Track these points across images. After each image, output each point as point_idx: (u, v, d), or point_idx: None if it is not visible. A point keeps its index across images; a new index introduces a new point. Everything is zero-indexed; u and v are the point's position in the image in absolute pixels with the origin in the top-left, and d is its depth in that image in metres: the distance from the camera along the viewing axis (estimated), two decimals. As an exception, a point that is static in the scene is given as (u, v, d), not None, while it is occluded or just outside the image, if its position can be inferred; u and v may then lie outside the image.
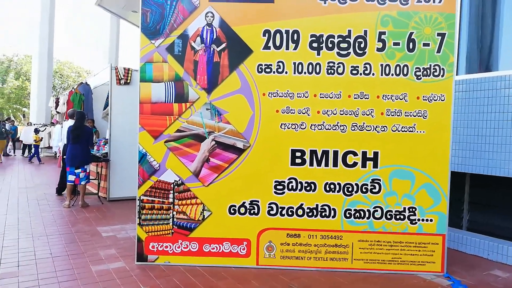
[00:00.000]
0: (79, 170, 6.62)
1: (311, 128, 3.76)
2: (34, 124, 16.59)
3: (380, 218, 3.73)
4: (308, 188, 3.76)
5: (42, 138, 13.86)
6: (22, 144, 16.68)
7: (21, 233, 4.91)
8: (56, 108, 14.65)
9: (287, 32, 3.76)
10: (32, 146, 14.13)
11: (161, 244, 3.89)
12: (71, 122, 7.29)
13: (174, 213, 3.88)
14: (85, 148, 6.61)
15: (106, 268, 3.80)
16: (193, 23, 3.81)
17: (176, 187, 3.87)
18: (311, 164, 3.76)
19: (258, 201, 3.79)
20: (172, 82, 3.85)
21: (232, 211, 3.81)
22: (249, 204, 3.80)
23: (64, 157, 6.96)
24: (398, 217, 3.72)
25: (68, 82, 37.94)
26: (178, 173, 3.85)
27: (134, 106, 7.41)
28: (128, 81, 7.24)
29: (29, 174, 10.85)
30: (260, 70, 3.78)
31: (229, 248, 3.82)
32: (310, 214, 3.77)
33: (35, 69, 20.61)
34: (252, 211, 3.79)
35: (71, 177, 6.58)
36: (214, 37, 3.80)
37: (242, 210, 3.80)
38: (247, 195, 3.80)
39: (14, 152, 16.95)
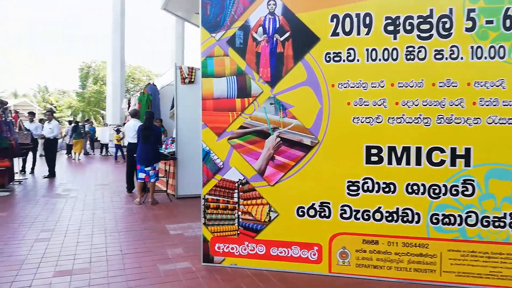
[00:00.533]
0: (149, 168, 6.78)
1: (388, 121, 3.35)
2: (110, 125, 17.71)
3: (475, 225, 3.20)
4: (386, 190, 3.36)
5: (123, 137, 14.65)
6: (100, 144, 17.90)
7: (95, 229, 5.10)
8: (128, 109, 15.50)
9: (357, 15, 3.38)
10: (112, 145, 14.98)
11: (227, 245, 3.74)
12: (133, 121, 7.53)
13: (240, 213, 3.70)
14: (154, 147, 6.76)
15: (173, 268, 3.74)
16: (255, 12, 3.58)
17: (240, 186, 3.69)
18: (390, 162, 3.35)
19: (329, 203, 3.47)
20: (234, 77, 3.67)
21: (301, 213, 3.53)
22: (319, 206, 3.49)
23: (134, 156, 7.19)
24: (497, 224, 3.17)
25: (140, 85, 40.20)
26: (243, 171, 3.67)
27: (199, 104, 7.47)
28: (193, 80, 7.27)
29: (105, 172, 11.53)
30: (328, 59, 3.44)
31: (299, 253, 3.56)
32: (389, 218, 3.36)
33: (109, 75, 22.11)
34: (322, 214, 3.48)
35: (141, 175, 6.76)
36: (277, 26, 3.54)
37: (312, 212, 3.51)
38: (317, 196, 3.49)
39: (93, 151, 18.30)
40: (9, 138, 7.42)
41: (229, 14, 3.63)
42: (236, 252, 3.71)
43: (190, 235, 4.91)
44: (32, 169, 10.90)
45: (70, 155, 16.46)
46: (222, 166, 3.71)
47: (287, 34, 3.52)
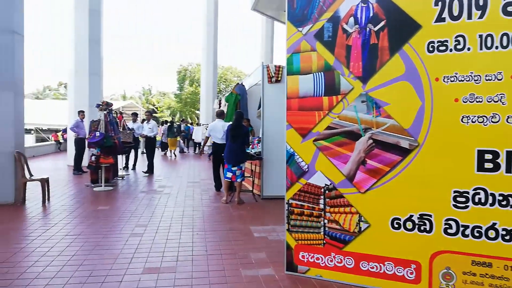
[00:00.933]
0: (236, 168, 6.84)
1: (507, 121, 2.77)
2: (203, 124, 18.59)
3: None
4: (504, 203, 2.78)
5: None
6: (193, 142, 18.90)
7: (184, 227, 5.25)
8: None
9: (469, -4, 2.87)
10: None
11: (311, 255, 3.49)
12: (218, 121, 7.64)
13: (326, 221, 3.43)
14: (242, 147, 6.79)
15: (255, 274, 3.61)
16: (345, 1, 3.26)
17: (327, 192, 3.41)
18: (508, 170, 2.77)
19: (430, 216, 3.01)
20: (321, 73, 3.39)
21: (396, 226, 3.13)
22: (418, 218, 3.04)
23: (222, 155, 7.31)
24: None
25: (231, 86, 41.66)
26: (329, 176, 3.38)
27: (285, 103, 7.32)
28: (279, 78, 7.13)
29: (197, 170, 12.06)
30: (431, 49, 2.98)
31: (393, 270, 3.15)
32: (507, 237, 2.78)
33: (203, 76, 23.24)
34: (422, 228, 3.03)
35: (228, 174, 6.85)
36: (371, 14, 3.18)
37: (409, 225, 3.07)
38: (416, 207, 3.05)
39: (187, 150, 19.43)
40: (113, 137, 8.11)
41: (317, 6, 3.37)
42: (322, 263, 3.44)
43: (274, 239, 4.77)
44: (134, 165, 11.87)
45: (165, 152, 17.70)
46: (307, 169, 3.47)
47: (382, 23, 3.13)
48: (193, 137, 18.45)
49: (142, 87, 58.70)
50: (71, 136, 11.63)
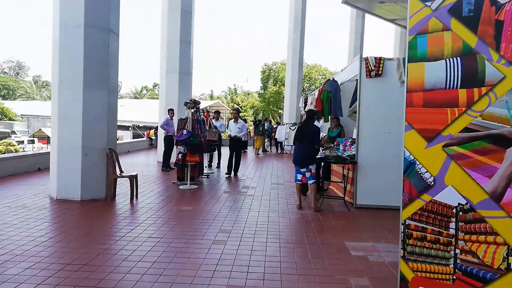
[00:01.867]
0: (304, 169, 6.34)
1: None
2: (286, 123, 18.15)
3: None
4: None
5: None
6: (276, 141, 18.55)
7: (270, 236, 4.75)
8: (304, 108, 15.42)
9: None
10: (288, 144, 15.11)
11: (434, 292, 2.71)
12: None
13: (458, 251, 2.62)
14: (309, 147, 6.31)
15: (358, 306, 2.94)
16: (499, -40, 2.43)
17: (461, 213, 2.60)
18: None
19: None
20: (458, 58, 2.60)
21: None
22: None
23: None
24: None
25: (315, 85, 40.76)
26: (465, 193, 2.57)
27: (386, 101, 6.41)
28: (380, 72, 6.27)
29: (281, 170, 11.58)
30: None
31: None
32: None
33: (288, 75, 22.81)
34: None
35: (298, 176, 6.44)
36: (539, -25, 2.30)
37: None
38: None
39: (270, 149, 19.14)
40: (199, 135, 7.98)
41: (453, -30, 2.58)
42: (451, 306, 2.64)
43: (376, 260, 4.02)
44: (218, 164, 11.82)
45: (246, 151, 17.62)
46: (432, 183, 2.70)
47: (557, -15, 2.24)
48: (276, 136, 18.09)
49: (228, 87, 60.55)
50: (161, 134, 11.98)
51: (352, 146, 6.90)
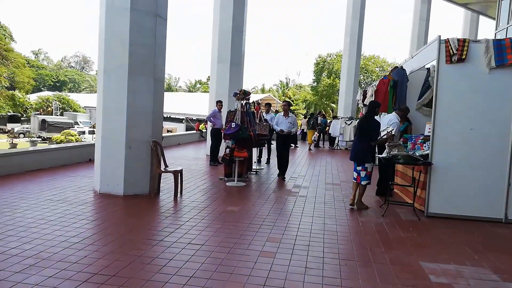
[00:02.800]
0: (360, 168, 5.84)
1: None
2: (341, 118, 17.08)
3: None
4: None
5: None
6: (329, 136, 17.55)
7: (326, 248, 4.03)
8: (363, 101, 14.30)
9: None
10: (342, 139, 14.05)
11: None
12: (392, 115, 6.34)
13: None
14: (366, 144, 5.76)
15: None
16: None
17: None
18: None
19: None
20: None
21: None
22: None
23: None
24: None
25: (372, 77, 38.82)
26: None
27: (470, 92, 5.33)
28: (463, 56, 5.24)
29: (336, 168, 10.71)
30: None
31: None
32: None
33: (344, 66, 21.54)
34: None
35: (354, 174, 5.97)
36: None
37: None
38: None
39: (323, 144, 18.16)
40: (249, 129, 7.40)
41: None
42: None
43: (465, 291, 3.16)
44: (268, 159, 11.20)
45: (297, 146, 16.83)
46: None
47: None
48: (330, 131, 17.08)
49: (279, 80, 59.70)
50: (209, 126, 11.60)
51: (424, 145, 5.92)
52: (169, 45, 6.90)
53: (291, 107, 9.29)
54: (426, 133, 6.31)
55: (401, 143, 5.91)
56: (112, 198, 5.87)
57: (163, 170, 6.27)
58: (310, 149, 16.37)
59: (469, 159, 5.34)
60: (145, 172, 6.24)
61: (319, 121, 17.55)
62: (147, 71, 6.17)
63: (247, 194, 6.63)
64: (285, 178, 8.44)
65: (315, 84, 42.65)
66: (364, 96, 14.00)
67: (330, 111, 40.59)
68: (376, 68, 39.38)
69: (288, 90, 51.56)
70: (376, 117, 6.87)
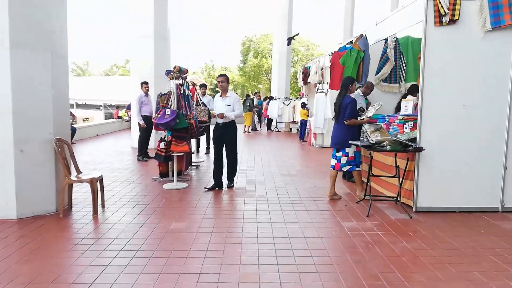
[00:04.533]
0: (340, 154, 5.18)
1: None
2: (279, 98, 16.08)
3: None
4: None
5: (308, 114, 12.52)
6: (268, 119, 16.50)
7: (324, 279, 2.82)
8: (304, 80, 13.35)
9: None
10: (300, 123, 12.93)
11: None
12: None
13: None
14: (343, 126, 5.11)
15: None
16: None
17: None
18: None
19: None
20: None
21: None
22: None
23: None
24: None
25: (298, 56, 38.68)
26: None
27: (462, 60, 4.35)
28: (456, 17, 4.30)
29: (284, 155, 9.60)
30: None
31: None
32: None
33: (276, 46, 20.66)
34: None
35: (332, 161, 5.31)
36: None
37: None
38: None
39: (260, 126, 17.04)
40: (188, 116, 5.88)
41: None
42: None
43: None
44: (207, 148, 9.76)
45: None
46: None
47: None
48: (267, 113, 16.01)
49: (204, 62, 57.34)
50: (134, 114, 9.75)
51: (404, 126, 4.98)
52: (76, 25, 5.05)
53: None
54: (402, 112, 5.40)
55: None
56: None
57: (75, 178, 4.55)
58: (248, 132, 15.20)
59: (461, 140, 4.50)
60: (47, 184, 4.47)
61: (255, 103, 16.34)
62: (40, 42, 4.32)
63: (193, 200, 5.18)
64: (233, 185, 5.98)
65: (242, 65, 41.45)
66: (305, 75, 13.10)
67: (258, 93, 39.79)
68: (301, 48, 39.26)
69: (214, 72, 49.70)
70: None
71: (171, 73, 5.71)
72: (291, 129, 16.15)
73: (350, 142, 4.97)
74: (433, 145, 4.48)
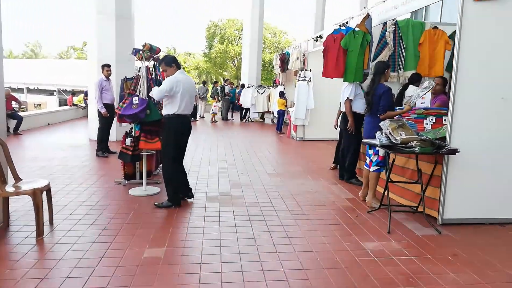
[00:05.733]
0: (372, 151, 4.40)
1: None
2: (252, 86, 15.07)
3: None
4: None
5: (286, 104, 11.56)
6: (240, 108, 15.46)
7: None
8: (281, 67, 12.43)
9: None
10: (276, 114, 11.98)
11: None
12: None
13: None
14: (375, 119, 4.37)
15: None
16: None
17: None
18: None
19: None
20: None
21: None
22: None
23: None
24: None
25: (265, 44, 37.69)
26: None
27: (505, 43, 3.50)
28: (502, -11, 3.51)
29: (265, 149, 8.69)
30: None
31: None
32: None
33: (247, 31, 19.59)
34: None
35: (366, 159, 4.55)
36: None
37: None
38: None
39: (232, 116, 15.98)
40: (160, 105, 4.79)
41: None
42: None
43: None
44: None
45: (197, 120, 14.54)
46: None
47: None
48: (240, 102, 14.97)
49: (166, 47, 54.97)
50: (92, 100, 8.43)
51: (425, 121, 4.19)
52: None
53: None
54: (418, 104, 4.62)
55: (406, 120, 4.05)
56: None
57: (12, 190, 3.39)
58: (215, 121, 14.16)
59: (498, 141, 3.77)
60: (-29, 198, 3.28)
61: (226, 91, 15.24)
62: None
63: (169, 213, 4.15)
64: (191, 194, 4.59)
65: (207, 50, 39.91)
66: (283, 61, 12.18)
67: (222, 79, 38.56)
68: (268, 35, 38.28)
69: (177, 57, 47.65)
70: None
71: (140, 51, 4.57)
72: (264, 119, 15.25)
73: (365, 141, 4.14)
74: (466, 145, 3.72)
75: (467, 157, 3.73)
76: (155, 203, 4.33)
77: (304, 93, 9.53)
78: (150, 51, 4.58)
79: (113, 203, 4.39)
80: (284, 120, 11.75)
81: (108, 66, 7.16)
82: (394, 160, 4.26)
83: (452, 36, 6.45)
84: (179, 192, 4.35)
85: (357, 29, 5.36)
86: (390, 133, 3.74)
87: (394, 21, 6.31)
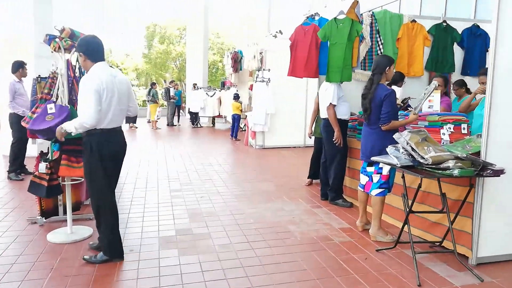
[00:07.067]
0: (372, 169, 3.46)
1: None
2: (201, 88, 13.76)
3: None
4: None
5: (242, 108, 10.34)
6: (189, 112, 14.06)
7: None
8: (234, 66, 11.27)
9: None
10: (230, 119, 10.70)
11: None
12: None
13: None
14: (376, 130, 3.42)
15: None
16: None
17: None
18: None
19: None
20: None
21: None
22: None
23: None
24: None
25: (209, 44, 36.34)
26: None
27: None
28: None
29: (224, 162, 7.50)
30: None
31: None
32: None
33: (191, 29, 18.26)
34: None
35: (362, 179, 3.63)
36: None
37: None
38: None
39: (178, 121, 14.49)
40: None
41: None
42: None
43: None
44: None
45: (136, 126, 12.95)
46: None
47: None
48: (188, 106, 13.57)
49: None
50: (5, 109, 6.68)
51: (441, 131, 3.30)
52: None
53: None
54: (424, 108, 3.74)
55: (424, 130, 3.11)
56: None
57: None
58: (156, 127, 12.69)
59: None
60: None
61: (171, 93, 13.77)
62: None
63: (106, 270, 2.84)
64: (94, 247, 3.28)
65: (147, 51, 37.77)
66: (235, 60, 11.07)
67: (163, 81, 36.63)
68: (211, 35, 36.98)
69: (113, 58, 44.58)
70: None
71: (57, 39, 3.19)
72: (214, 124, 14.00)
73: (374, 158, 3.13)
74: (504, 164, 2.85)
75: (509, 178, 2.87)
76: (85, 256, 2.99)
77: (263, 96, 8.50)
78: (71, 38, 3.22)
79: (25, 259, 2.98)
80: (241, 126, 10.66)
81: (22, 64, 5.54)
82: (420, 185, 3.23)
83: (431, 31, 5.85)
84: (117, 234, 3.03)
85: (340, 16, 4.39)
86: (413, 149, 2.77)
87: (371, 12, 5.50)
